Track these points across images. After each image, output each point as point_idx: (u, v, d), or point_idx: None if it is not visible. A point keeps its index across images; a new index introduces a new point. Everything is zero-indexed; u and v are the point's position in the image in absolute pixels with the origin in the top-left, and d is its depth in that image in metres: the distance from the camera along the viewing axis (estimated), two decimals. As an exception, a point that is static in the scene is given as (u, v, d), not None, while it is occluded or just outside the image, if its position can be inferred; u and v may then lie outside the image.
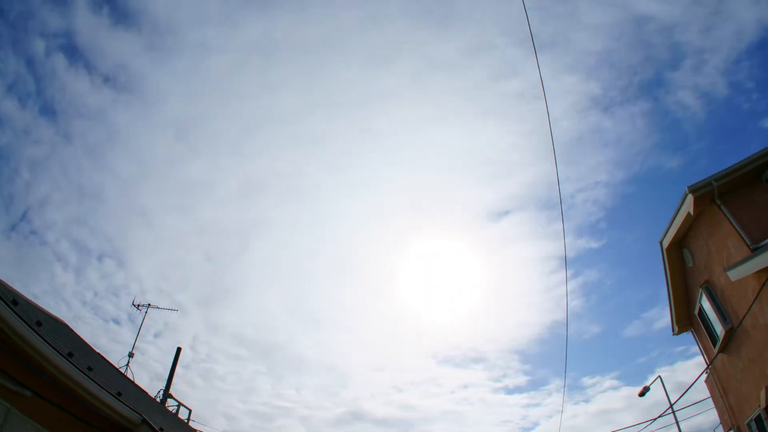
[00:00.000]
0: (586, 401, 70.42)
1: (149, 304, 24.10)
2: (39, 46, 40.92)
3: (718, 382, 18.25)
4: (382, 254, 77.36)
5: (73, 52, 44.25)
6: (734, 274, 13.56)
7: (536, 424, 69.53)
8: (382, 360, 75.54)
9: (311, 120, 60.19)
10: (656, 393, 62.26)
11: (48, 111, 46.98)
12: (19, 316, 9.53)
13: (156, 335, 59.94)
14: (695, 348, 19.64)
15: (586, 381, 71.88)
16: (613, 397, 67.77)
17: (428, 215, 72.36)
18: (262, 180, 64.45)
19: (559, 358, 77.48)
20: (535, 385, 78.26)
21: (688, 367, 61.27)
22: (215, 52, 53.99)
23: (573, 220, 68.35)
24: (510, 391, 76.69)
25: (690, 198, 15.43)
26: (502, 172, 67.08)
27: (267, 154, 61.98)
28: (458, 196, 69.81)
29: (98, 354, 16.13)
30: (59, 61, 44.74)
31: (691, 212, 15.82)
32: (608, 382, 69.53)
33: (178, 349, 23.81)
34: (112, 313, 58.28)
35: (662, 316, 66.33)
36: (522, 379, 78.28)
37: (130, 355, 21.85)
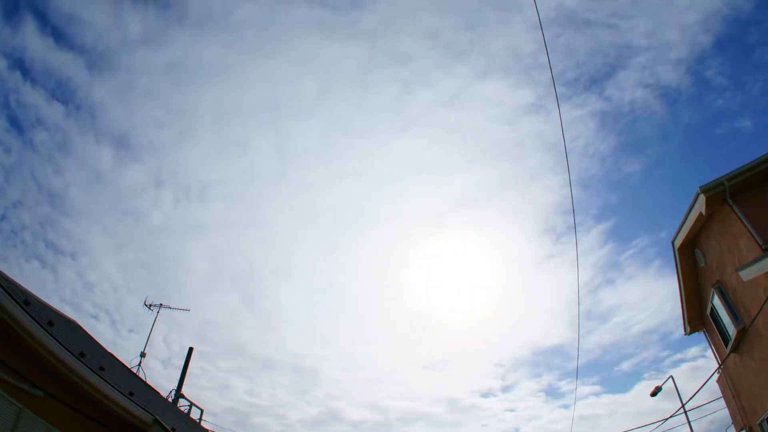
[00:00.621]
0: (566, 407, 69.78)
1: (161, 304, 24.07)
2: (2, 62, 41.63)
3: (729, 382, 18.06)
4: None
5: (27, 69, 44.74)
6: (746, 274, 13.42)
7: (516, 429, 68.44)
8: (354, 360, 74.56)
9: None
10: (647, 400, 61.80)
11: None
12: (32, 317, 9.50)
13: (130, 330, 59.86)
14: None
15: (564, 386, 70.95)
16: (595, 404, 67.14)
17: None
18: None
19: (533, 364, 75.71)
20: (508, 389, 77.36)
21: (678, 374, 61.21)
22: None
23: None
24: (484, 394, 76.28)
25: (702, 198, 15.29)
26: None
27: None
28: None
29: (110, 354, 16.12)
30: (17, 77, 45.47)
31: (703, 212, 15.68)
32: (588, 389, 68.83)
33: (190, 349, 23.76)
34: (90, 311, 58.35)
35: (638, 322, 66.02)
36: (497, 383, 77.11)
37: (142, 355, 21.84)
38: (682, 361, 64.01)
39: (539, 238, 72.18)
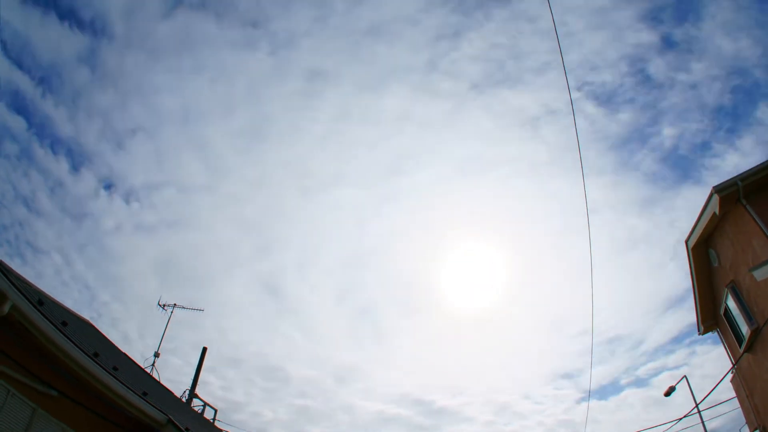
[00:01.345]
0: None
1: (175, 304, 24.04)
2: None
3: (743, 383, 17.82)
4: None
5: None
6: (759, 274, 13.20)
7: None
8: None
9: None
10: (630, 410, 61.00)
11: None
12: (45, 317, 9.42)
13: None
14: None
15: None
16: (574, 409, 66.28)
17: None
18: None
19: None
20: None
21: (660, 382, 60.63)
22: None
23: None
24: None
25: (716, 198, 15.06)
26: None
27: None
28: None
29: (123, 354, 16.07)
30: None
31: (717, 212, 15.45)
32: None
33: (204, 349, 23.72)
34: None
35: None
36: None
37: (156, 355, 21.81)
38: (663, 369, 63.58)
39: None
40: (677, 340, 63.42)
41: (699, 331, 19.67)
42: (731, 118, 52.36)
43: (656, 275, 61.11)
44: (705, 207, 16.13)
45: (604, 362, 67.66)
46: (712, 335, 19.72)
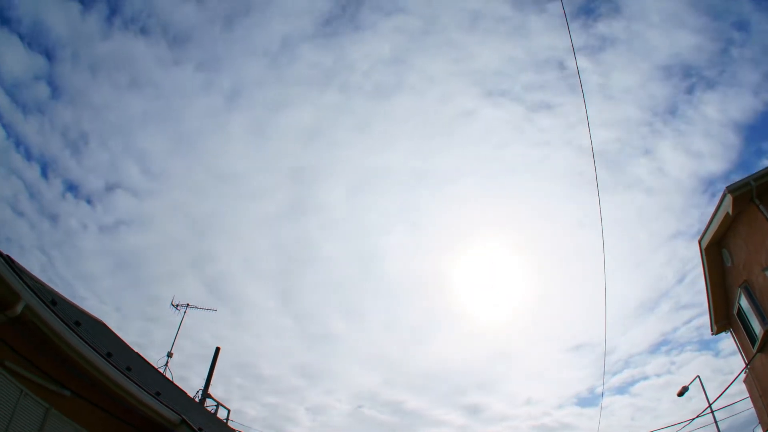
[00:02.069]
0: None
1: (188, 304, 23.93)
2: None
3: (756, 382, 17.59)
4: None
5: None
6: (773, 274, 13.01)
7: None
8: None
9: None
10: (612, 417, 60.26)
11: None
12: (58, 317, 9.30)
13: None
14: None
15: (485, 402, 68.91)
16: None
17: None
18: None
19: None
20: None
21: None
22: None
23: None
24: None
25: (729, 198, 14.85)
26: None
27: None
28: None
29: (137, 354, 15.97)
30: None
31: (730, 212, 15.21)
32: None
33: (217, 349, 23.58)
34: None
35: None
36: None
37: (169, 355, 21.70)
38: (644, 377, 63.18)
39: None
40: (655, 347, 63.04)
41: (712, 330, 19.43)
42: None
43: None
44: (718, 207, 15.91)
45: (580, 369, 67.59)
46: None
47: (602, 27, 47.35)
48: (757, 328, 15.99)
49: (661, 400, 59.57)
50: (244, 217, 61.88)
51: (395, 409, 65.02)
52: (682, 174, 56.01)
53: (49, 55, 39.30)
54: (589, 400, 68.63)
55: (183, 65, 50.00)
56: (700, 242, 17.80)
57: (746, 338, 17.49)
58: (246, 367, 60.28)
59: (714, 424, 20.38)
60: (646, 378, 62.61)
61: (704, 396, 21.16)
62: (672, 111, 53.45)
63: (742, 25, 45.37)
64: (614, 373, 64.36)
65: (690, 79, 50.92)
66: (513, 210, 68.57)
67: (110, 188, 51.25)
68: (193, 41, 48.29)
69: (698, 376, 21.81)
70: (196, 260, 59.71)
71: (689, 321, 56.80)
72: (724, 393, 20.24)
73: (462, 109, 58.92)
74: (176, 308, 23.76)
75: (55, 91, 42.29)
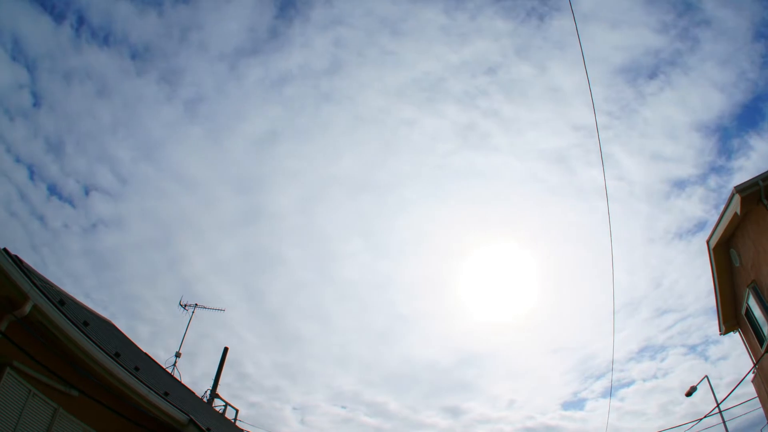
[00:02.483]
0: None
1: (196, 304, 23.87)
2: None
3: (764, 383, 17.39)
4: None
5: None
6: (782, 274, 12.86)
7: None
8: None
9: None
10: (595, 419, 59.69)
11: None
12: (67, 317, 9.25)
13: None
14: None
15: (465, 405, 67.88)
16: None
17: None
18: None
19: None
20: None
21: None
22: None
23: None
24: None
25: (737, 198, 14.66)
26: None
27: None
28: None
29: (145, 354, 15.90)
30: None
31: (738, 212, 15.02)
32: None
33: (225, 349, 23.54)
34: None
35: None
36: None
37: (177, 355, 21.65)
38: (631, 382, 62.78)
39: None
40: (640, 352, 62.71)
41: (720, 331, 19.23)
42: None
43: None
44: (726, 207, 15.72)
45: (564, 373, 67.14)
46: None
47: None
48: (765, 328, 15.81)
49: (649, 404, 59.45)
50: (209, 222, 62.07)
51: (378, 410, 64.62)
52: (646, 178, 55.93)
53: (29, 66, 40.08)
54: (573, 403, 68.32)
55: (145, 76, 50.49)
56: (708, 242, 17.61)
57: (754, 338, 17.31)
58: (232, 365, 60.45)
59: (722, 424, 20.18)
60: (631, 383, 62.48)
61: (712, 396, 20.96)
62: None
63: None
64: (598, 377, 64.34)
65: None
66: (480, 214, 68.13)
67: (88, 191, 51.76)
68: (154, 53, 48.78)
69: (706, 376, 21.63)
70: (172, 262, 59.94)
71: (672, 325, 56.75)
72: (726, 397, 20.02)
73: (404, 117, 58.93)
74: (184, 308, 23.72)
75: (37, 99, 43.10)
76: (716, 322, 19.16)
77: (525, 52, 53.73)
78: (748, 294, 16.55)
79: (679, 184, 55.38)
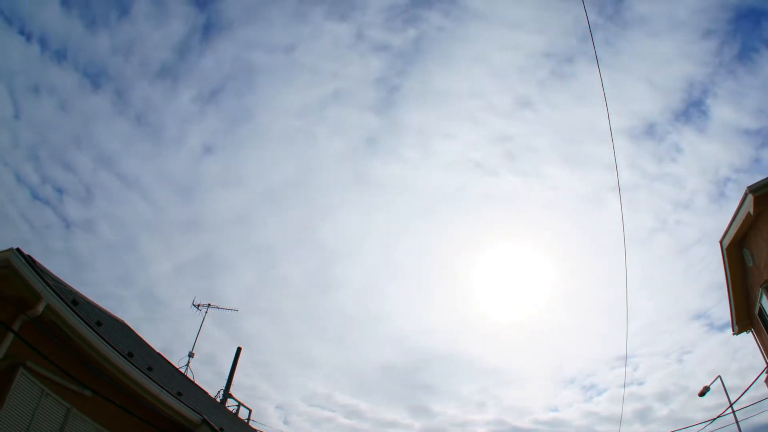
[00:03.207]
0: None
1: (209, 304, 23.76)
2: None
3: (777, 384, 17.15)
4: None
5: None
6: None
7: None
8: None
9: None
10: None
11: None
12: (80, 317, 9.13)
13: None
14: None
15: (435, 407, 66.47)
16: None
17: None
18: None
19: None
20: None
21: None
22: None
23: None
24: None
25: (750, 198, 14.43)
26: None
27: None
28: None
29: (158, 354, 15.81)
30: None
31: (751, 212, 14.77)
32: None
33: (238, 349, 23.40)
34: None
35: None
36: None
37: (190, 355, 21.55)
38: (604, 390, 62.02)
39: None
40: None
41: (733, 330, 18.93)
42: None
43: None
44: (739, 207, 15.47)
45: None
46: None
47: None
48: (778, 328, 15.60)
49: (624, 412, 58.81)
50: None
51: (351, 411, 63.63)
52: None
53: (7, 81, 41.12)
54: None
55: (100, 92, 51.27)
56: (721, 242, 17.34)
57: (767, 338, 17.08)
58: (211, 363, 60.42)
59: (735, 424, 19.88)
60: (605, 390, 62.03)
61: (726, 396, 20.66)
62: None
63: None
64: (570, 381, 63.88)
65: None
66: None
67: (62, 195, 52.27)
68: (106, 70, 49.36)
69: (719, 377, 21.30)
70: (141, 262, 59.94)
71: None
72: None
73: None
74: (197, 308, 23.62)
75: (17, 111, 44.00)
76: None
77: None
78: (761, 294, 16.27)
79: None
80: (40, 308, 8.36)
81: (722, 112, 48.58)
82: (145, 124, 53.84)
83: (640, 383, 57.06)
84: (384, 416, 62.00)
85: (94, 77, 48.15)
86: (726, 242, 17.06)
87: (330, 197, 62.18)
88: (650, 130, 52.52)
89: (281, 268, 66.43)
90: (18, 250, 8.26)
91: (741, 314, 18.47)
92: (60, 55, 44.35)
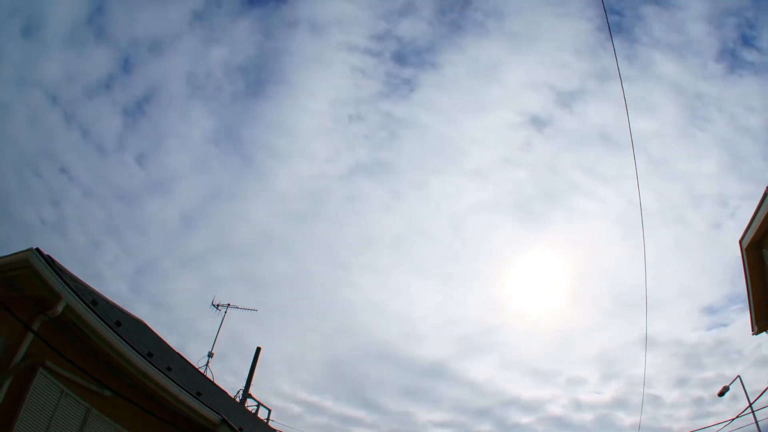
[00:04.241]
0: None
1: (228, 304, 23.57)
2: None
3: (799, 385, 16.70)
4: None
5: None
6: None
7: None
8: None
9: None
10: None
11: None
12: (99, 317, 8.96)
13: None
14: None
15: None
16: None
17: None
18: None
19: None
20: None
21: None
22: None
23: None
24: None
25: (771, 197, 14.10)
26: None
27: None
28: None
29: (178, 354, 15.64)
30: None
31: (772, 211, 14.46)
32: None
33: (258, 349, 23.21)
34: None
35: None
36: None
37: (210, 355, 21.38)
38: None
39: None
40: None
41: (753, 330, 18.50)
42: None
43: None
44: (759, 206, 15.07)
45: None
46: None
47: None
48: (799, 329, 15.19)
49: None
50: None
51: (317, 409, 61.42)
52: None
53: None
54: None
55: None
56: (740, 242, 16.96)
57: (788, 339, 16.67)
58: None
59: (755, 424, 19.42)
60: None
61: (745, 396, 20.19)
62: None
63: None
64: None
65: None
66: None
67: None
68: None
69: (738, 377, 20.82)
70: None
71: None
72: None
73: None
74: (217, 308, 23.46)
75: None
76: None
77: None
78: (781, 294, 15.92)
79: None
80: (60, 308, 8.20)
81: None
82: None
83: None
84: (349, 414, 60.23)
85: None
86: (745, 242, 16.67)
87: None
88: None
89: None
90: (37, 249, 8.11)
91: (761, 314, 18.04)
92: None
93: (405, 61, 52.23)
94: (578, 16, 43.79)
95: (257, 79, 53.33)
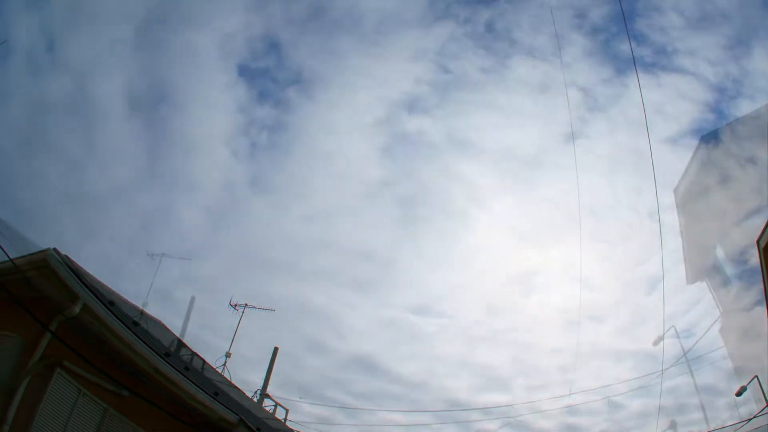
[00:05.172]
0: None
1: (246, 304, 23.46)
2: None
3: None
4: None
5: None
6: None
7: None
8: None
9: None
10: None
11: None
12: (117, 317, 8.83)
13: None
14: None
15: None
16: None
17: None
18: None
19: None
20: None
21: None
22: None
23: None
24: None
25: (789, 195, 13.76)
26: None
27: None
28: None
29: (195, 353, 15.52)
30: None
31: (790, 210, 14.09)
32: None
33: (275, 349, 23.06)
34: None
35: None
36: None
37: (227, 354, 21.25)
38: None
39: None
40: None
41: (771, 330, 18.19)
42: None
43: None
44: (777, 205, 14.77)
45: None
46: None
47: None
48: (818, 329, 14.81)
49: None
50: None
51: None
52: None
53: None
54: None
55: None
56: (758, 242, 16.59)
57: (806, 340, 16.29)
58: None
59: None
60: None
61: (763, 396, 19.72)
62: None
63: None
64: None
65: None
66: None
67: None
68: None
69: (756, 377, 20.36)
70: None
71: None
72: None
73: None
74: (234, 308, 23.36)
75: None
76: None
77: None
78: (800, 295, 15.52)
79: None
80: (77, 308, 8.10)
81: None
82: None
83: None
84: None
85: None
86: (763, 242, 16.32)
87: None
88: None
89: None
90: (55, 249, 8.01)
91: (779, 314, 17.71)
92: None
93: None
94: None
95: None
